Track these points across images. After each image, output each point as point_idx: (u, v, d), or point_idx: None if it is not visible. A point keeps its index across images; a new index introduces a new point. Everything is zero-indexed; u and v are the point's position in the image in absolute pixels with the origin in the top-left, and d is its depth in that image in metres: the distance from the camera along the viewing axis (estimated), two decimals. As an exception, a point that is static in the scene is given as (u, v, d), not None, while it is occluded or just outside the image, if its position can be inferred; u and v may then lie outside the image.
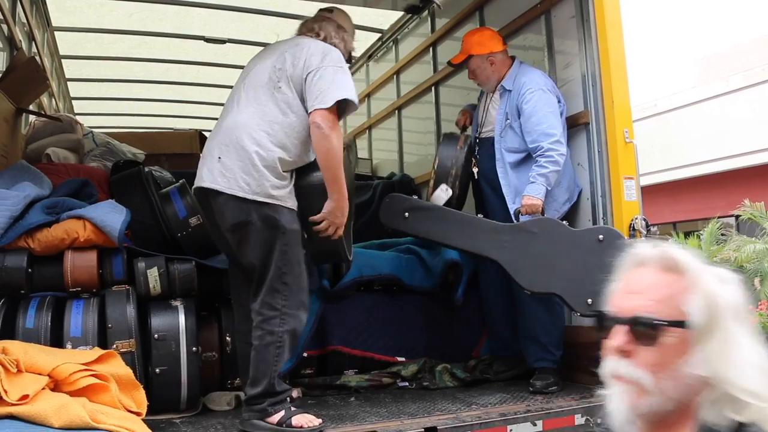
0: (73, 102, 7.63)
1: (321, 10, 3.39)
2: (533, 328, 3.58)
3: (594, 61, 3.56)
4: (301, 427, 2.77)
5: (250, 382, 2.85)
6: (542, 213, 3.46)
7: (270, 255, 2.87)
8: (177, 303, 3.30)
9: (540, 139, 3.50)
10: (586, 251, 3.23)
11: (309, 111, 2.93)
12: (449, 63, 4.09)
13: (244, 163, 2.89)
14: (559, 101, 3.66)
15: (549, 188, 3.48)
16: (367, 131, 6.98)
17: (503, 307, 3.81)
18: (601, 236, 3.23)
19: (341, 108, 2.98)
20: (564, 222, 3.41)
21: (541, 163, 3.48)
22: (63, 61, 6.61)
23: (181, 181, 3.90)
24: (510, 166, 3.67)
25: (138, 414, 2.65)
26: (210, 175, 2.94)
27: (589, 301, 3.19)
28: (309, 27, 3.27)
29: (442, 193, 3.71)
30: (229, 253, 3.15)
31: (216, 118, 8.19)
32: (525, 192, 3.49)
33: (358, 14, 6.04)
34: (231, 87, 7.36)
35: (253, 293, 2.93)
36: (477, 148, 3.93)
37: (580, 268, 3.22)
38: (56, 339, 3.03)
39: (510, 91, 3.72)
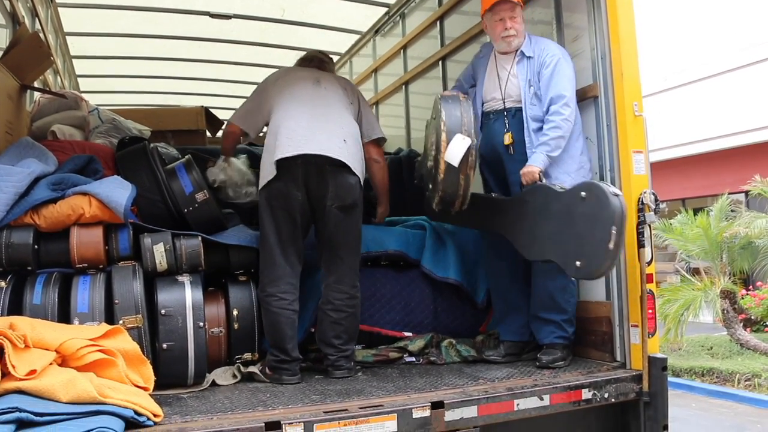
0: (79, 79, 7.61)
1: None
2: (546, 307, 3.52)
3: (603, 33, 3.50)
4: None
5: (348, 339, 3.46)
6: (540, 181, 3.42)
7: (360, 234, 3.55)
8: (183, 278, 3.30)
9: (553, 101, 3.46)
10: (571, 212, 3.15)
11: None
12: (488, 8, 3.67)
13: (361, 155, 3.58)
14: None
15: (551, 154, 3.42)
16: (374, 107, 6.94)
17: (516, 292, 3.74)
18: (583, 193, 3.11)
19: None
20: (555, 185, 3.33)
21: (544, 130, 3.46)
22: (67, 38, 6.58)
23: (186, 157, 3.88)
24: (535, 135, 3.55)
25: (145, 389, 2.67)
26: (339, 151, 3.41)
27: (578, 263, 3.10)
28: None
29: (459, 143, 3.21)
30: (288, 223, 3.42)
31: (223, 95, 8.21)
32: (528, 162, 3.46)
33: (364, -12, 6.00)
34: (237, 63, 7.38)
35: (335, 267, 3.47)
36: (493, 120, 3.70)
37: (568, 230, 3.15)
38: (63, 315, 3.04)
39: (530, 57, 3.61)
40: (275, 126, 3.50)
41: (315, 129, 3.43)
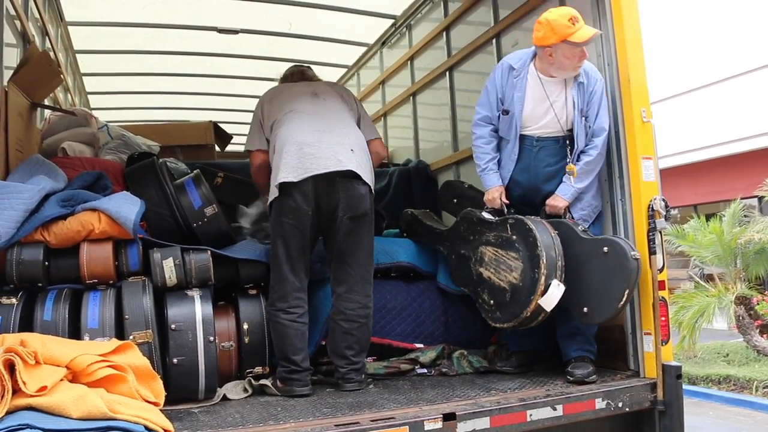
0: (89, 96, 7.68)
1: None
2: (577, 322, 3.40)
3: (609, 40, 3.48)
4: None
5: (360, 350, 3.43)
6: (564, 214, 3.44)
7: (371, 243, 3.52)
8: (193, 293, 3.30)
9: (596, 134, 3.43)
10: (590, 261, 3.20)
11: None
12: (580, 43, 3.30)
13: (369, 164, 3.56)
14: None
15: (580, 186, 3.42)
16: (382, 118, 6.96)
17: None
18: (605, 248, 3.16)
19: None
20: (579, 225, 3.35)
21: (581, 164, 3.43)
22: (77, 55, 6.65)
23: (195, 172, 3.90)
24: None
25: (156, 404, 2.65)
26: (349, 162, 3.39)
27: (585, 309, 3.19)
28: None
29: (556, 290, 3.16)
30: (299, 236, 3.38)
31: (232, 110, 8.27)
32: (556, 192, 3.47)
33: (371, 0, 6.03)
34: (245, 78, 7.43)
35: (346, 277, 3.44)
36: (538, 148, 3.54)
37: (582, 277, 3.20)
38: (74, 331, 3.04)
39: (582, 83, 3.44)
40: (281, 143, 3.44)
41: (322, 143, 3.39)
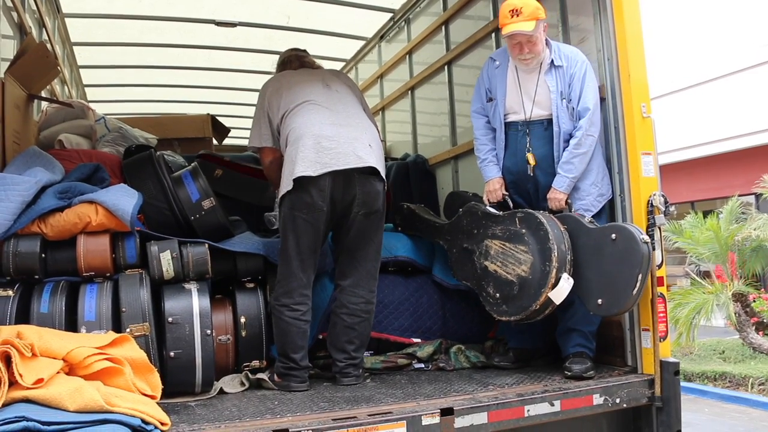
0: (86, 89, 7.65)
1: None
2: (576, 317, 3.43)
3: (609, 35, 3.47)
4: None
5: (360, 345, 3.43)
6: (567, 205, 3.43)
7: (381, 239, 3.51)
8: (190, 286, 3.29)
9: (580, 115, 3.42)
10: (599, 250, 3.17)
11: None
12: (504, 35, 3.43)
13: (383, 157, 3.52)
14: None
15: (574, 175, 3.40)
16: (381, 112, 6.94)
17: None
18: (613, 235, 3.14)
19: None
20: (585, 217, 3.33)
21: (569, 147, 3.41)
22: (75, 48, 6.61)
23: (193, 165, 3.89)
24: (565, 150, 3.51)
25: (152, 397, 2.66)
26: (368, 158, 3.34)
27: (599, 301, 3.15)
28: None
29: (566, 284, 3.15)
30: (313, 232, 3.32)
31: (229, 103, 8.22)
32: (552, 185, 3.46)
33: (369, -6, 6.01)
34: (243, 71, 7.40)
35: (353, 271, 3.43)
36: (522, 133, 3.57)
37: (593, 267, 3.18)
38: (70, 323, 3.04)
39: (560, 66, 3.47)
40: (296, 135, 3.32)
41: (340, 138, 3.31)
